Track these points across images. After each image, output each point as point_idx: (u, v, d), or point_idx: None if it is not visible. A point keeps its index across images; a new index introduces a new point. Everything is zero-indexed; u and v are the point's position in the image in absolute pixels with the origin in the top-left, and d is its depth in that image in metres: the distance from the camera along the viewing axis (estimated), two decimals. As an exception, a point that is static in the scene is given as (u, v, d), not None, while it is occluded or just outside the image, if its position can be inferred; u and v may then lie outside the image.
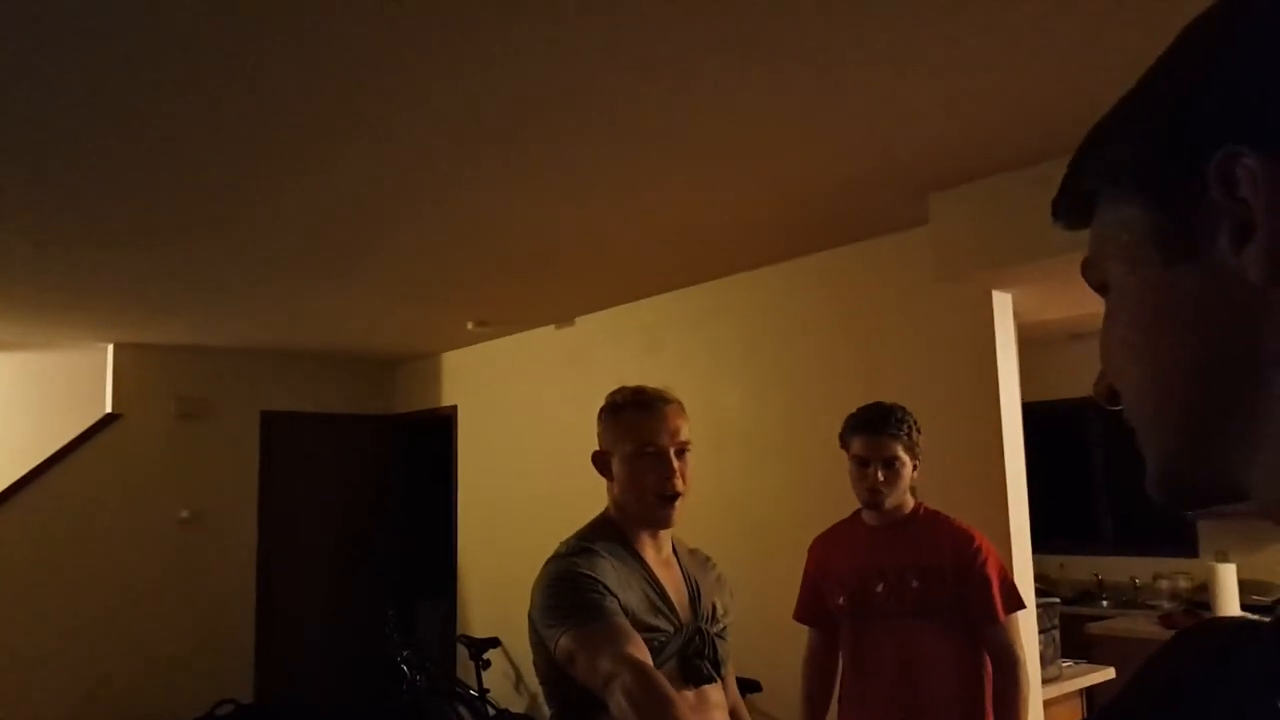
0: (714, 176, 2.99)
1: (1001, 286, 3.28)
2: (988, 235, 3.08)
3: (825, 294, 3.84)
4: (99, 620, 5.30)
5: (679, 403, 1.81)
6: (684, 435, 1.78)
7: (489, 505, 5.64)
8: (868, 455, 2.47)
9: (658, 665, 1.63)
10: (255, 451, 5.88)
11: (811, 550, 2.72)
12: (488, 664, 4.97)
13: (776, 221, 3.49)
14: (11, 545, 5.15)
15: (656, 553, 1.81)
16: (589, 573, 1.62)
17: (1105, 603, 5.35)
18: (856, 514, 2.63)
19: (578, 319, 5.00)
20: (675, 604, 1.75)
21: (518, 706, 5.00)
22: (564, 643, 1.54)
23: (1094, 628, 4.78)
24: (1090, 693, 3.77)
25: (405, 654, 5.23)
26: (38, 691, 5.11)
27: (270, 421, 5.94)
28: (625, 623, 1.57)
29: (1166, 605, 5.06)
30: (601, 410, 1.84)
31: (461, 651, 5.32)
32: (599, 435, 1.83)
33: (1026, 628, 2.89)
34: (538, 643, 1.64)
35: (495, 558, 5.46)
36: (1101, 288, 0.54)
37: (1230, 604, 4.40)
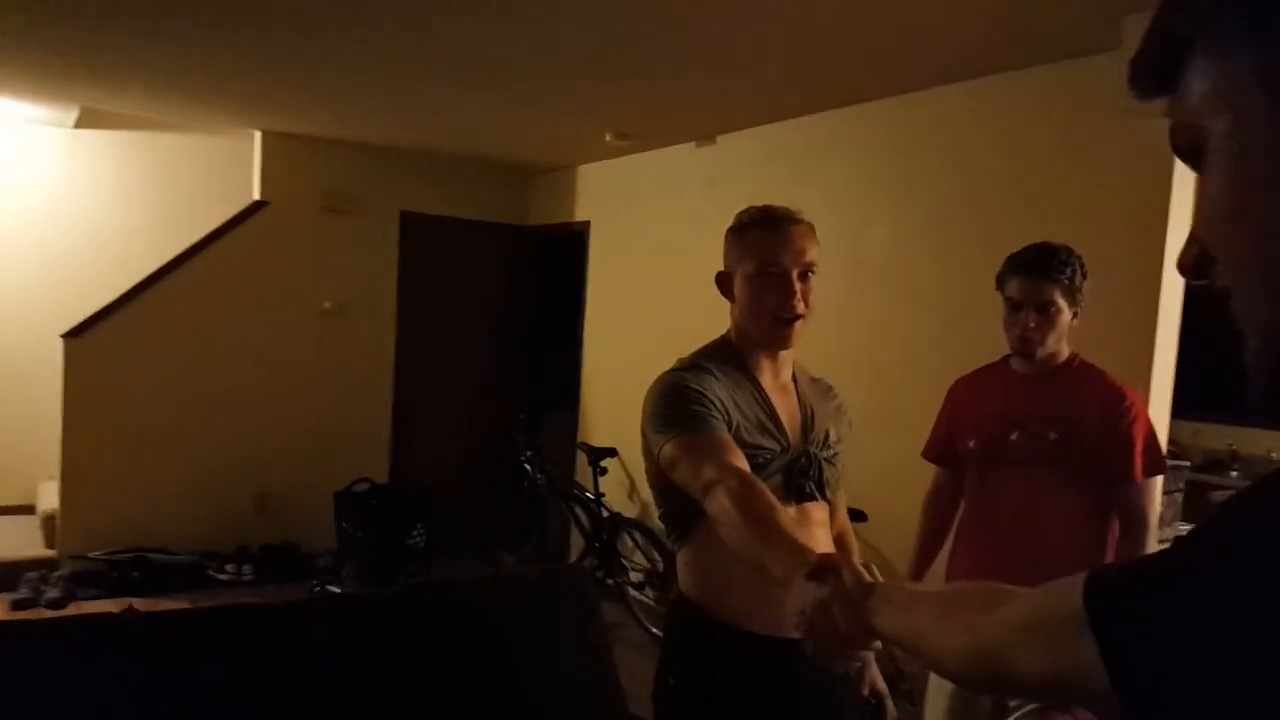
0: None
1: (1191, 125, 2.99)
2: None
3: (993, 123, 3.57)
4: (246, 399, 5.67)
5: (808, 224, 1.75)
6: (809, 257, 1.72)
7: (616, 321, 5.73)
8: (1021, 299, 2.34)
9: (761, 479, 1.66)
10: (395, 250, 6.06)
11: (951, 391, 2.67)
12: (604, 471, 5.19)
13: (943, 37, 3.21)
14: (163, 324, 5.45)
15: (774, 377, 1.81)
16: (697, 387, 1.64)
17: (1235, 474, 5.17)
18: (1005, 359, 2.53)
19: (719, 138, 4.84)
20: (785, 425, 1.76)
21: (629, 513, 5.24)
22: (668, 449, 1.58)
23: (1218, 497, 4.64)
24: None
25: (529, 454, 5.52)
26: (185, 465, 5.52)
27: (409, 222, 6.08)
28: (728, 436, 1.59)
29: (1308, 484, 4.82)
30: (728, 230, 1.80)
31: (580, 458, 5.56)
32: (724, 255, 1.80)
33: (1154, 490, 2.80)
34: (647, 450, 1.69)
35: (619, 372, 5.59)
36: (1195, 152, 0.50)
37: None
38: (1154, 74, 0.51)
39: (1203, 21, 0.48)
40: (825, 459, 1.80)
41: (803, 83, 3.88)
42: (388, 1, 3.13)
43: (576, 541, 5.61)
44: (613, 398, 5.66)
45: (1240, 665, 0.50)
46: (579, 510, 5.34)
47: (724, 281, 1.80)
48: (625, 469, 5.32)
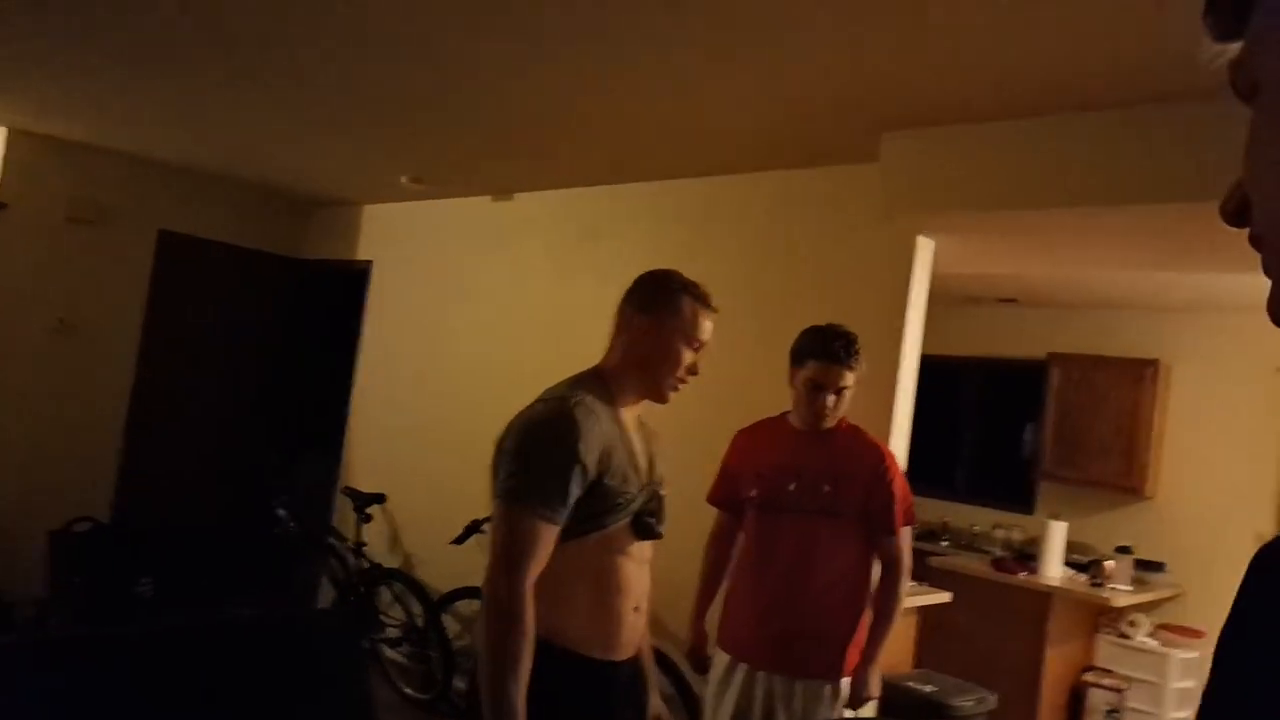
0: (683, 75, 3.02)
1: (928, 231, 3.47)
2: (932, 179, 3.27)
3: (769, 212, 3.95)
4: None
5: None
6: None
7: (393, 365, 5.58)
8: (824, 383, 2.61)
9: (619, 521, 1.79)
10: (148, 269, 5.57)
11: (735, 441, 2.89)
12: (369, 518, 5.00)
13: (731, 134, 3.57)
14: None
15: (631, 416, 1.94)
16: (578, 442, 1.70)
17: (945, 543, 5.88)
18: (784, 415, 2.79)
19: (517, 195, 4.95)
20: (641, 465, 1.89)
21: (390, 563, 5.07)
22: (502, 508, 1.67)
23: (934, 560, 5.26)
24: (925, 611, 4.18)
25: (284, 499, 5.20)
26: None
27: (168, 241, 5.63)
28: (554, 534, 1.68)
29: (999, 552, 5.60)
30: (662, 278, 1.95)
31: (343, 503, 5.33)
32: (644, 297, 1.93)
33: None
34: (499, 466, 1.75)
35: (393, 417, 5.45)
36: (1251, 91, 0.48)
37: (1056, 557, 4.92)
38: (1221, 12, 0.49)
39: None
40: (663, 496, 1.94)
41: (599, 156, 4.12)
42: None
43: (327, 593, 5.34)
44: (385, 442, 5.50)
45: None
46: (333, 561, 5.11)
47: (634, 321, 1.91)
48: (391, 516, 5.17)
